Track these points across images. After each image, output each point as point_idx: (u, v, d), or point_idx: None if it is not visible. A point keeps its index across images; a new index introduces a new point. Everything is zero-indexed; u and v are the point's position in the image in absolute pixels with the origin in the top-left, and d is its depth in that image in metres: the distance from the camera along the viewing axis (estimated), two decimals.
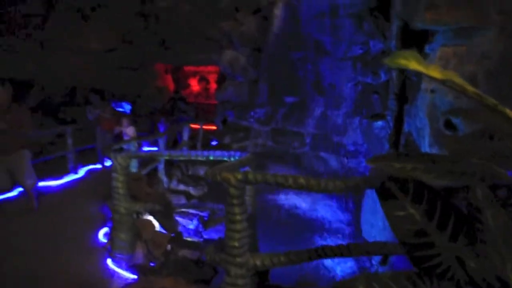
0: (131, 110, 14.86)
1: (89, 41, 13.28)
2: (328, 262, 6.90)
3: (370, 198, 5.37)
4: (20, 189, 7.13)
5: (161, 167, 8.59)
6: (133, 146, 7.02)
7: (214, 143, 14.06)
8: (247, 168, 3.94)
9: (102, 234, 5.67)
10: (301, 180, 2.85)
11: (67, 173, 9.51)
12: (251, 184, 2.95)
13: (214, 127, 14.81)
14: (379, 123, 7.08)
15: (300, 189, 2.92)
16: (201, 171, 10.35)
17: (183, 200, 8.51)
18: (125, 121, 9.52)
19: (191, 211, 8.30)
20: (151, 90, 15.46)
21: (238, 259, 2.92)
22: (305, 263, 6.81)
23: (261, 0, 12.25)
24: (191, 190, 9.13)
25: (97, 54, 13.70)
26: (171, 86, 17.47)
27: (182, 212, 8.21)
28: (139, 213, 5.07)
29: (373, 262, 5.75)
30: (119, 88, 14.57)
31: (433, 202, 1.53)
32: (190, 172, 10.23)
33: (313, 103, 12.26)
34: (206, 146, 13.31)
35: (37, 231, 5.93)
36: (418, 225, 1.53)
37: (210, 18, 13.42)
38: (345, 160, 11.33)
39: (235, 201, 2.85)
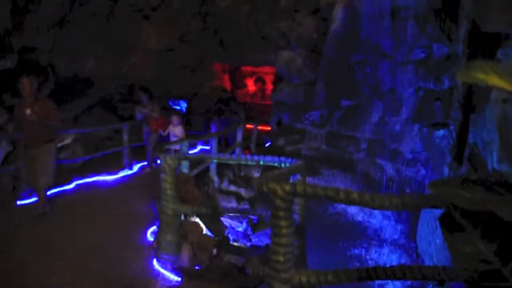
0: (187, 109, 15.04)
1: (149, 40, 13.51)
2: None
3: (428, 213, 5.04)
4: None
5: (212, 166, 8.57)
6: (184, 146, 7.00)
7: (268, 144, 13.96)
8: (297, 177, 3.76)
9: (150, 233, 5.68)
10: (354, 195, 2.66)
11: (122, 168, 9.70)
12: (299, 196, 2.77)
13: (268, 128, 14.70)
14: (441, 132, 6.67)
15: (352, 204, 2.72)
16: (254, 173, 10.26)
17: (233, 201, 8.44)
18: (175, 119, 9.42)
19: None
20: (207, 90, 15.56)
21: (283, 275, 2.75)
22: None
23: (320, 1, 11.99)
24: (242, 192, 9.05)
25: (156, 53, 13.93)
26: (228, 85, 17.53)
27: (233, 213, 8.16)
28: (186, 215, 5.02)
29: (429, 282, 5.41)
30: (177, 87, 14.75)
31: (509, 241, 1.30)
32: (242, 173, 10.16)
33: (371, 107, 11.86)
34: (260, 147, 13.24)
35: (88, 225, 6.04)
36: (489, 265, 1.30)
37: (268, 18, 13.31)
38: (403, 168, 10.89)
39: (281, 214, 2.69)
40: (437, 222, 4.71)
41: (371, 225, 9.54)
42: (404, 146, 10.23)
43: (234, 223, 7.66)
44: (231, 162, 4.53)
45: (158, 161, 8.30)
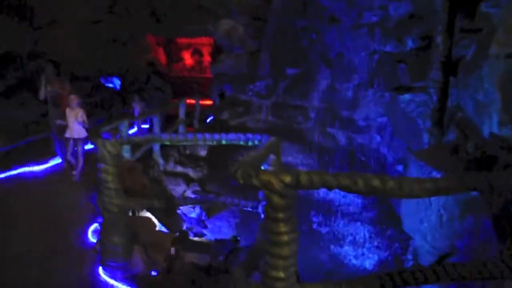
0: (121, 86, 13.82)
1: (72, 11, 12.13)
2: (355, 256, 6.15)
3: None
4: None
5: (156, 148, 7.71)
6: (123, 127, 6.04)
7: (210, 119, 13.14)
8: (271, 158, 3.02)
9: (91, 232, 4.80)
10: (376, 182, 2.00)
11: (52, 156, 8.52)
12: (304, 189, 2.06)
13: (209, 102, 13.83)
14: (406, 96, 6.19)
15: (374, 193, 2.07)
16: (201, 151, 9.47)
17: (182, 184, 7.68)
18: (73, 100, 7.15)
19: (192, 196, 7.47)
20: (141, 65, 14.37)
21: None
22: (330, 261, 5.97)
23: None
24: (190, 172, 8.28)
25: (82, 26, 12.57)
26: (163, 59, 16.39)
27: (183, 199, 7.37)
28: (135, 211, 4.17)
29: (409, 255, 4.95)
30: (108, 63, 13.47)
31: None
32: (188, 152, 9.33)
33: (319, 74, 11.34)
34: (202, 123, 12.40)
35: (10, 229, 5.03)
36: None
37: None
38: (355, 136, 10.50)
39: (280, 215, 1.97)
40: (432, 199, 4.22)
41: (329, 199, 9.08)
42: (358, 113, 9.80)
43: (186, 209, 6.89)
44: (185, 143, 3.72)
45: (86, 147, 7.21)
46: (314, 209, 8.59)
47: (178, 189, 7.47)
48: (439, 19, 4.44)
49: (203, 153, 9.50)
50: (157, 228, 4.27)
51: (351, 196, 8.77)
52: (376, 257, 6.49)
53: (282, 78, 12.02)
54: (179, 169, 8.26)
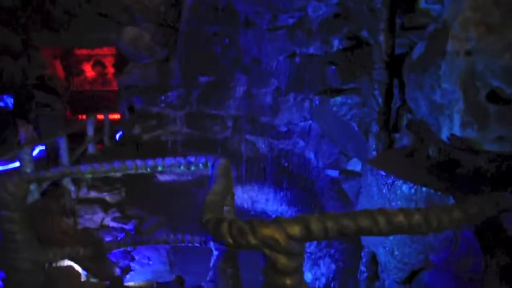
0: (15, 105, 12.34)
1: None
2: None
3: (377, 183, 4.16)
4: None
5: None
6: (26, 154, 5.08)
7: (119, 134, 12.20)
8: (218, 180, 2.43)
9: None
10: (400, 218, 1.55)
11: None
12: (317, 240, 1.54)
13: (116, 116, 12.83)
14: (338, 99, 5.94)
15: (398, 232, 1.63)
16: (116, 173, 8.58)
17: (99, 211, 6.82)
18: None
19: (112, 224, 6.65)
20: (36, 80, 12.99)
21: None
22: None
23: None
24: (107, 197, 7.42)
25: None
26: (61, 73, 15.04)
27: (102, 228, 6.54)
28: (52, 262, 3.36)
29: (363, 268, 4.62)
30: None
31: None
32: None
33: (234, 81, 10.94)
34: (112, 139, 11.44)
35: None
36: None
37: None
38: (276, 142, 10.22)
39: (288, 281, 1.43)
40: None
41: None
42: (279, 118, 9.50)
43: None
44: (113, 173, 3.04)
45: None
46: None
47: (96, 217, 6.61)
48: (380, 16, 4.18)
49: (117, 174, 8.62)
50: (82, 279, 3.50)
51: (281, 204, 8.45)
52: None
53: (195, 87, 11.46)
54: (93, 194, 7.37)
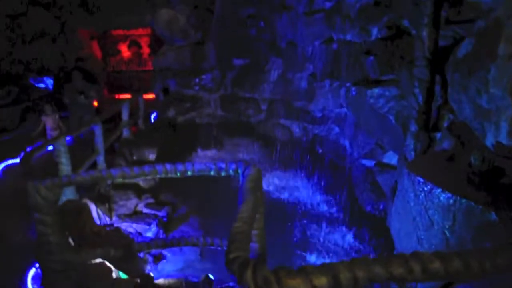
0: (54, 86, 12.59)
1: None
2: None
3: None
4: None
5: (100, 159, 6.86)
6: (62, 146, 5.13)
7: (154, 116, 12.29)
8: (247, 198, 2.34)
9: (30, 279, 4.00)
10: (436, 264, 1.47)
11: None
12: None
13: (151, 97, 12.90)
14: (375, 90, 5.74)
15: (433, 279, 1.54)
16: (150, 154, 8.68)
17: (132, 197, 6.91)
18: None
19: (146, 210, 6.73)
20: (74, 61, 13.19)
21: None
22: None
23: None
24: (141, 182, 7.48)
25: (2, 20, 11.26)
26: (98, 54, 15.21)
27: (135, 214, 6.63)
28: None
29: None
30: (37, 60, 12.22)
31: None
32: (135, 158, 8.51)
33: (269, 65, 10.78)
34: (147, 122, 11.54)
35: None
36: None
37: None
38: (311, 127, 10.07)
39: None
40: (435, 217, 3.77)
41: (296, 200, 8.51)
42: (314, 104, 9.32)
43: (140, 227, 6.17)
44: (142, 177, 3.00)
45: None
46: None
47: (129, 204, 6.69)
48: (424, 10, 3.96)
49: (152, 156, 8.72)
50: (113, 275, 3.55)
51: (314, 193, 8.34)
52: None
53: (229, 70, 11.36)
54: (128, 180, 7.45)
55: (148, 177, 3.15)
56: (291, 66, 9.95)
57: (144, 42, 16.26)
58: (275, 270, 1.36)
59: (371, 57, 5.77)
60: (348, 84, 7.28)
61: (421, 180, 3.52)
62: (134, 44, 16.28)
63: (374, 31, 5.96)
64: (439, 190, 3.31)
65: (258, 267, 1.39)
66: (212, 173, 2.94)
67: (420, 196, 3.57)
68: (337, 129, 9.14)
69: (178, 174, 2.98)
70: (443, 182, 3.37)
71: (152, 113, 12.38)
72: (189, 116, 11.75)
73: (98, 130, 6.56)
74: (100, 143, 6.58)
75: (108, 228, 4.04)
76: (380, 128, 6.15)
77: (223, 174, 2.93)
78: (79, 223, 3.18)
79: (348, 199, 7.44)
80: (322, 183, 8.51)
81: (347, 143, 8.52)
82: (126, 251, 3.20)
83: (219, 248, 3.80)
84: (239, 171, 2.81)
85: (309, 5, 8.30)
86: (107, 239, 3.27)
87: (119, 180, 3.01)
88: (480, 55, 3.37)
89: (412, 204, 3.69)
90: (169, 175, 3.00)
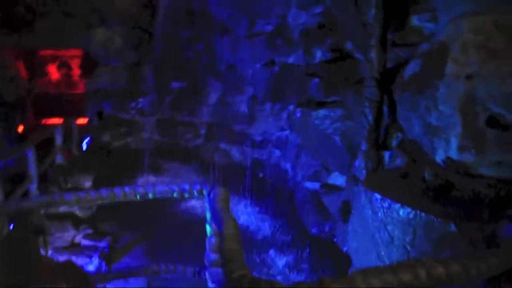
0: None
1: None
2: None
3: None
4: None
5: (34, 187, 6.39)
6: None
7: (87, 141, 11.75)
8: (226, 219, 2.27)
9: None
10: (440, 270, 1.46)
11: None
12: None
13: (84, 121, 12.33)
14: (321, 112, 5.82)
15: (438, 284, 1.53)
16: (85, 182, 8.24)
17: (70, 228, 6.48)
18: None
19: (85, 242, 6.33)
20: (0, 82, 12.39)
21: None
22: None
23: None
24: (77, 211, 7.05)
25: None
26: (24, 74, 14.39)
27: (74, 247, 6.22)
28: None
29: None
30: None
31: None
32: (70, 185, 8.04)
33: (207, 88, 10.69)
34: (79, 147, 11.01)
35: None
36: None
37: None
38: (249, 151, 10.04)
39: None
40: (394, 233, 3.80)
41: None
42: (254, 127, 9.33)
43: (80, 260, 5.76)
44: (100, 202, 2.77)
45: None
46: None
47: (66, 235, 6.26)
48: (372, 32, 4.08)
49: (88, 184, 8.28)
50: None
51: (261, 219, 8.23)
52: None
53: (167, 93, 11.15)
54: (63, 208, 7.00)
55: (106, 201, 2.92)
56: (230, 89, 9.94)
57: (75, 63, 15.63)
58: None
59: (316, 79, 5.87)
60: (291, 107, 7.37)
61: (379, 197, 3.56)
62: (64, 65, 15.61)
63: (318, 54, 6.08)
64: (398, 205, 3.36)
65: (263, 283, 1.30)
66: (174, 195, 2.79)
67: (379, 213, 3.60)
68: (277, 153, 9.18)
69: (138, 197, 2.80)
70: (401, 198, 3.43)
71: (84, 137, 11.84)
72: (125, 141, 11.36)
73: (31, 155, 6.13)
74: (33, 170, 6.14)
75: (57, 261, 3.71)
76: (325, 150, 6.24)
77: (186, 195, 2.79)
78: (26, 255, 2.87)
79: (292, 223, 7.43)
80: (265, 208, 8.44)
81: (289, 166, 8.56)
82: (81, 284, 2.94)
83: (168, 275, 3.62)
84: (204, 192, 2.68)
85: (250, 28, 8.37)
86: (59, 273, 2.98)
87: (72, 205, 2.78)
88: (428, 74, 3.51)
89: (370, 221, 3.72)
90: (127, 199, 2.81)
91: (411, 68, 3.93)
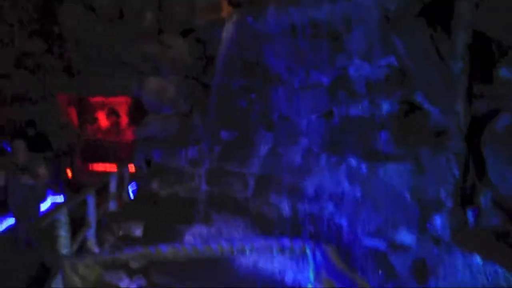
0: None
1: None
2: None
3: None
4: None
5: (90, 233, 6.31)
6: (63, 216, 4.60)
7: (134, 188, 11.76)
8: None
9: None
10: None
11: None
12: None
13: (132, 169, 12.38)
14: (390, 166, 5.57)
15: None
16: (136, 230, 8.12)
17: (124, 278, 6.29)
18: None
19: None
20: (54, 127, 12.69)
21: None
22: None
23: (195, 20, 10.42)
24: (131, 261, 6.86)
25: None
26: (75, 120, 14.78)
27: None
28: None
29: None
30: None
31: None
32: (121, 233, 7.93)
33: (259, 138, 10.59)
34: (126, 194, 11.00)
35: None
36: None
37: (128, 40, 11.25)
38: (301, 205, 9.71)
39: None
40: None
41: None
42: (308, 180, 9.06)
43: None
44: (195, 256, 2.58)
45: None
46: None
47: (122, 284, 6.09)
48: (457, 85, 3.89)
49: (138, 232, 8.16)
50: None
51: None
52: None
53: (217, 143, 11.12)
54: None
55: (199, 255, 2.73)
56: (282, 140, 9.79)
57: (123, 110, 15.96)
58: None
59: (384, 132, 5.65)
60: (351, 159, 7.13)
61: (480, 260, 3.24)
62: (113, 112, 15.96)
63: (385, 106, 5.89)
64: (503, 270, 3.04)
65: None
66: (274, 252, 2.58)
67: (479, 278, 3.27)
68: (331, 207, 8.83)
69: (234, 252, 2.61)
70: (507, 263, 3.10)
71: (131, 185, 11.85)
72: (173, 190, 11.28)
73: (91, 201, 6.07)
74: (92, 215, 6.06)
75: None
76: (391, 205, 5.93)
77: (286, 254, 2.58)
78: None
79: None
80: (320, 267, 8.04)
81: (344, 222, 8.19)
82: None
83: None
84: (307, 249, 2.47)
85: (306, 79, 8.31)
86: None
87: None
88: None
89: (468, 285, 3.38)
90: (224, 254, 2.62)
91: (503, 120, 3.68)
